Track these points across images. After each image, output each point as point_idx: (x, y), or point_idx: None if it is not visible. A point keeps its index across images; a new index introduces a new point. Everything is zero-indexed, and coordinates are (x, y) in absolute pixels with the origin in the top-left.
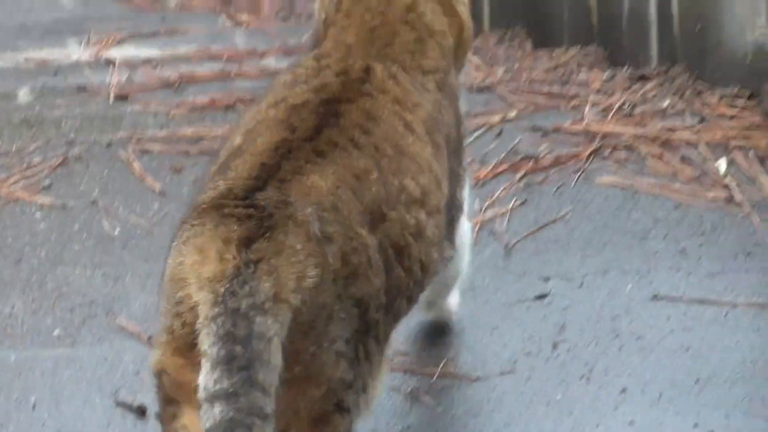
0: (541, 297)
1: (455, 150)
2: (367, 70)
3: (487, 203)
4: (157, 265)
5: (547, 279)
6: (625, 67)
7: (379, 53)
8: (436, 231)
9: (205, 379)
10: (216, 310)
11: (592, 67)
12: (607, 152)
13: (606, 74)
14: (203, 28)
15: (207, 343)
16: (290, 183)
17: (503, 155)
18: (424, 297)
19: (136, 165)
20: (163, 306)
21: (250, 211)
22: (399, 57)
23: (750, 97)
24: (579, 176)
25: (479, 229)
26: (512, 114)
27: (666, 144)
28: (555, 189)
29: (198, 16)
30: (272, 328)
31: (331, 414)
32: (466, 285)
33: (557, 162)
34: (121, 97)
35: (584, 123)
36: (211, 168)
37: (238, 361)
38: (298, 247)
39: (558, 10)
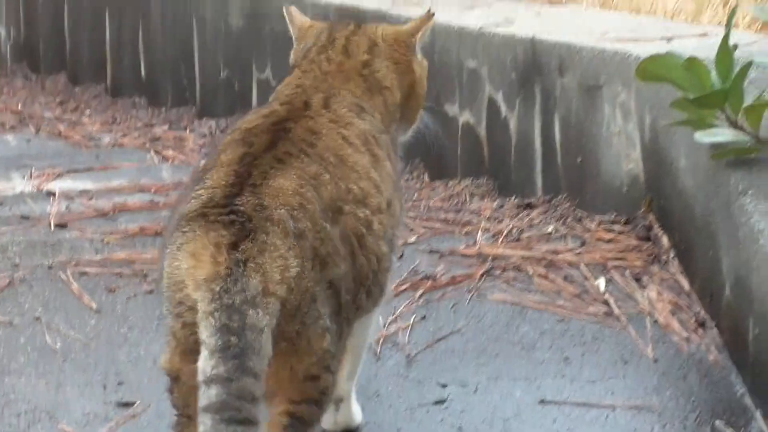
0: (440, 402)
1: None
2: (307, 102)
3: (390, 318)
4: (95, 375)
5: (445, 386)
6: (513, 197)
7: (324, 91)
8: (380, 227)
9: (203, 364)
10: (213, 305)
11: (484, 197)
12: (497, 272)
13: (496, 203)
14: (134, 164)
15: (205, 334)
16: (261, 187)
17: (405, 275)
18: (337, 385)
19: (75, 286)
20: (165, 309)
21: (232, 217)
22: (341, 93)
23: (625, 222)
24: (473, 294)
25: (383, 342)
26: (413, 238)
27: (550, 265)
28: (451, 305)
29: (129, 152)
30: (263, 320)
31: (321, 373)
32: (371, 393)
33: (453, 281)
34: (61, 225)
35: (477, 246)
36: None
37: (233, 350)
38: (278, 243)
39: (452, 146)
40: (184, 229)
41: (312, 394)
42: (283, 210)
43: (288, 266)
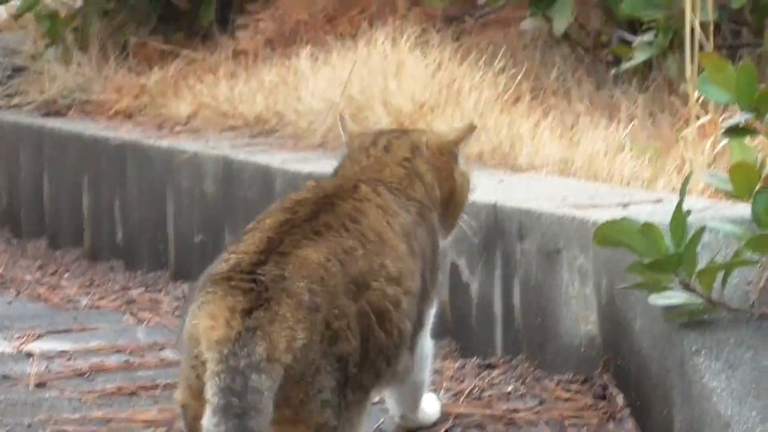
0: None
1: (431, 271)
2: (356, 187)
3: None
4: None
5: None
6: (475, 357)
7: (369, 178)
8: (409, 308)
9: (207, 422)
10: (220, 367)
11: (446, 358)
12: (459, 430)
13: (458, 363)
14: (110, 325)
15: (210, 393)
16: (288, 256)
17: None
18: (396, 411)
19: None
20: (182, 357)
21: (251, 285)
22: (386, 181)
23: (583, 382)
24: None
25: None
26: (376, 398)
27: (511, 423)
28: None
29: (106, 314)
30: (265, 384)
31: None
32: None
33: None
34: (40, 385)
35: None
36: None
37: (234, 410)
38: (288, 315)
39: None
40: (208, 290)
41: None
42: (302, 283)
43: (295, 338)
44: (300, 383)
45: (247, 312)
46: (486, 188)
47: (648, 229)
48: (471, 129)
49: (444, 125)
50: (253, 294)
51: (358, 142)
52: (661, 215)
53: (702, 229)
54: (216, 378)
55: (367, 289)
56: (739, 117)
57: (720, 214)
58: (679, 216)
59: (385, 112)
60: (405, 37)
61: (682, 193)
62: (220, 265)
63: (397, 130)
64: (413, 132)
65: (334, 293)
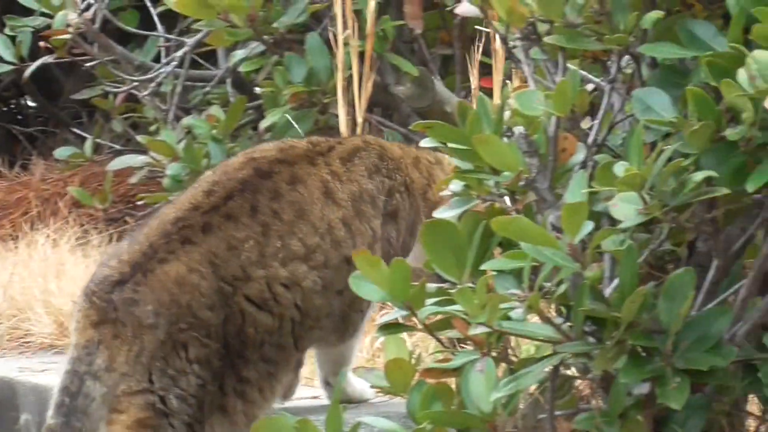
0: None
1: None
2: (331, 147)
3: None
4: None
5: None
6: None
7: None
8: (319, 281)
9: (48, 413)
10: (68, 367)
11: None
12: None
13: None
14: None
15: (55, 389)
16: (149, 275)
17: None
18: (319, 372)
19: None
20: None
21: (105, 305)
22: (376, 147)
23: None
24: None
25: None
26: None
27: None
28: None
29: None
30: (97, 391)
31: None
32: None
33: None
34: None
35: None
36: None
37: (64, 409)
38: (129, 334)
39: None
40: (82, 298)
41: None
42: (149, 307)
43: (132, 350)
44: (126, 378)
45: (98, 325)
46: None
47: (303, 425)
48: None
49: None
50: (106, 312)
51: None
52: (319, 411)
53: (357, 425)
54: (63, 376)
55: (248, 281)
56: (395, 313)
57: (376, 410)
58: (336, 412)
59: (45, 312)
60: (66, 238)
61: (337, 392)
62: (101, 270)
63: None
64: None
65: (187, 309)
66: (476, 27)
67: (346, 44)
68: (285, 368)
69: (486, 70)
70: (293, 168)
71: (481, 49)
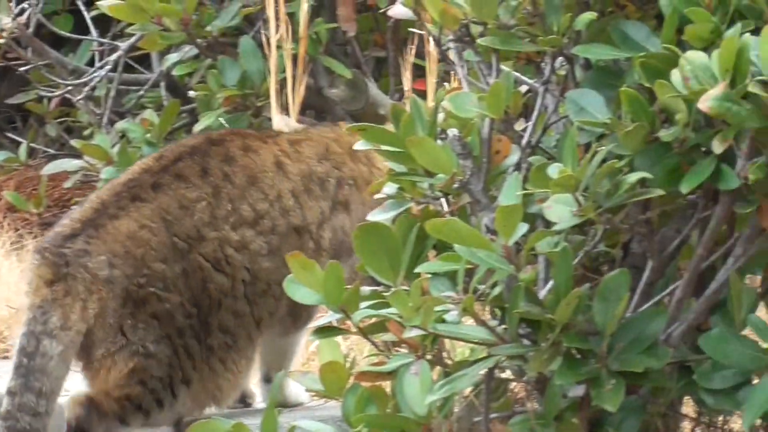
0: None
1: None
2: (280, 134)
3: None
4: None
5: None
6: None
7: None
8: (265, 245)
9: (8, 378)
10: (24, 329)
11: None
12: None
13: None
14: None
15: (13, 351)
16: (100, 229)
17: None
18: (260, 369)
19: None
20: None
21: (56, 259)
22: (318, 141)
23: None
24: None
25: None
26: None
27: None
28: None
29: None
30: (54, 350)
31: (130, 388)
32: None
33: None
34: None
35: None
36: None
37: (22, 369)
38: (81, 289)
39: None
40: (34, 257)
41: (120, 404)
42: (102, 257)
43: (87, 307)
44: (102, 342)
45: (50, 283)
46: None
47: (238, 428)
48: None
49: None
50: (57, 267)
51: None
52: (254, 415)
53: (292, 429)
54: (20, 338)
55: (202, 241)
56: (330, 317)
57: (311, 414)
58: (271, 416)
59: None
60: (0, 243)
61: (273, 395)
62: (53, 230)
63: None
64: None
65: (142, 262)
66: (409, 29)
67: (279, 47)
68: (245, 343)
69: (420, 72)
70: (246, 139)
71: (413, 52)
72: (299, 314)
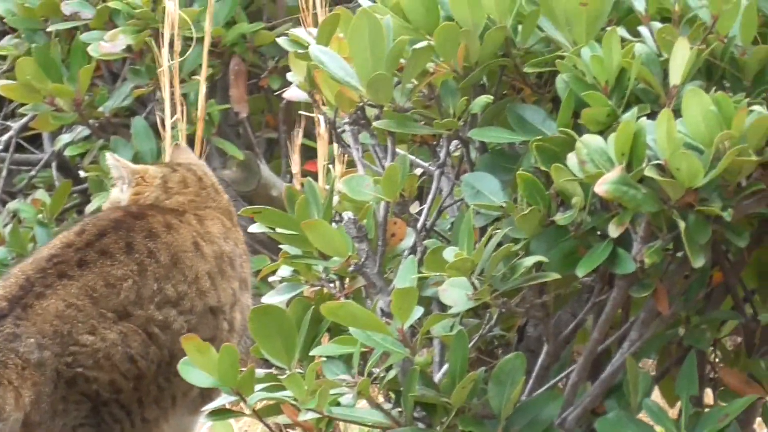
0: None
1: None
2: (183, 213)
3: None
4: None
5: None
6: None
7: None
8: (185, 325)
9: None
10: None
11: None
12: None
13: None
14: None
15: None
16: (28, 310)
17: None
18: None
19: None
20: None
21: None
22: (214, 217)
23: None
24: None
25: None
26: None
27: None
28: None
29: None
30: None
31: None
32: None
33: None
34: None
35: None
36: None
37: None
38: (13, 377)
39: None
40: None
41: None
42: (32, 339)
43: (22, 395)
44: (41, 426)
45: None
46: None
47: None
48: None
49: None
50: None
51: (177, 175)
52: None
53: None
54: None
55: (128, 317)
56: (223, 399)
57: None
58: None
59: None
60: None
61: None
62: None
63: (190, 164)
64: (201, 164)
65: (69, 338)
66: (300, 111)
67: (173, 128)
68: (163, 420)
69: (310, 153)
70: (165, 216)
71: (302, 133)
72: (210, 396)
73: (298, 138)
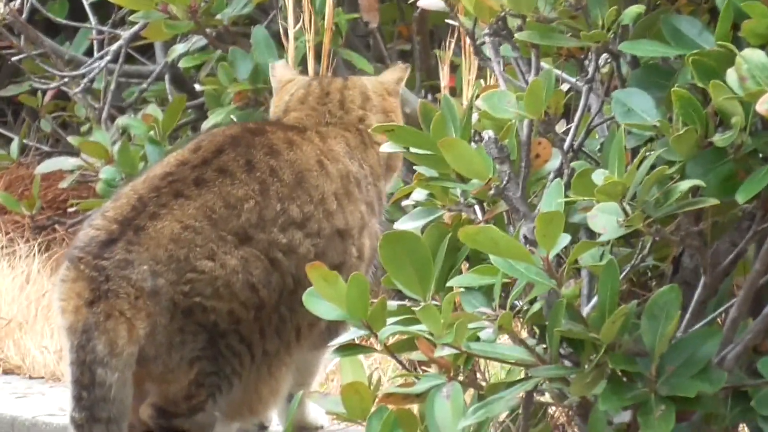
0: None
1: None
2: (304, 129)
3: None
4: None
5: None
6: None
7: (322, 133)
8: (312, 249)
9: (69, 406)
10: (71, 357)
11: None
12: None
13: None
14: None
15: (67, 378)
16: (141, 233)
17: None
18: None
19: None
20: None
21: (95, 273)
22: (338, 137)
23: None
24: None
25: None
26: None
27: None
28: None
29: None
30: (110, 378)
31: (192, 392)
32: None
33: None
34: None
35: None
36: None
37: (84, 401)
38: (126, 308)
39: None
40: (66, 267)
41: (182, 407)
42: (145, 266)
43: (135, 327)
44: (157, 360)
45: (90, 303)
46: None
47: None
48: (406, 69)
49: (34, 343)
50: (96, 283)
51: (300, 89)
52: None
53: None
54: (70, 368)
55: (249, 241)
56: (352, 333)
57: None
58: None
59: None
60: None
61: (291, 414)
62: (85, 232)
63: (338, 79)
64: (358, 80)
65: (186, 264)
66: (440, 20)
67: (297, 38)
68: (285, 353)
69: (450, 68)
70: (286, 132)
71: (452, 46)
72: (337, 330)
73: (449, 50)
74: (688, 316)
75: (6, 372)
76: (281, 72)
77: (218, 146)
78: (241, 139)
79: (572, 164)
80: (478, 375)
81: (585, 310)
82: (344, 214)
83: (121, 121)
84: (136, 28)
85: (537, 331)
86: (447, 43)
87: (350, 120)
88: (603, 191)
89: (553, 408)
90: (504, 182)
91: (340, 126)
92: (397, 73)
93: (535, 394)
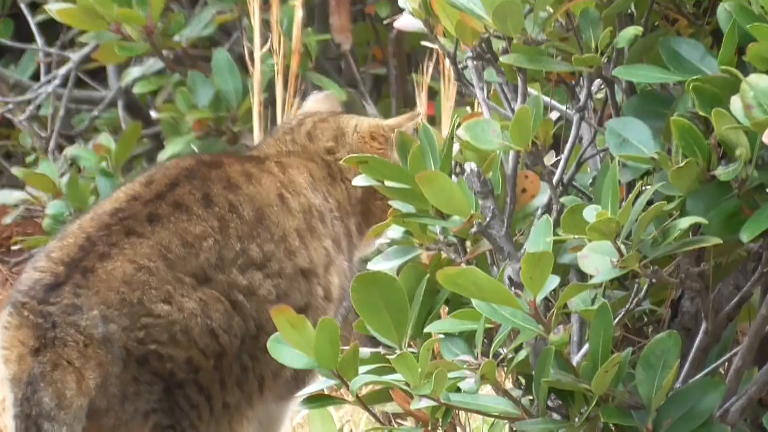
0: None
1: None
2: (264, 160)
3: None
4: None
5: None
6: None
7: (284, 163)
8: (273, 291)
9: None
10: (16, 410)
11: None
12: None
13: None
14: None
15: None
16: (90, 275)
17: None
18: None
19: None
20: None
21: (40, 320)
22: (300, 168)
23: None
24: None
25: None
26: None
27: None
28: None
29: None
30: (60, 430)
31: None
32: None
33: None
34: None
35: None
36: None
37: None
38: (74, 356)
39: None
40: (9, 312)
41: None
42: (95, 311)
43: (85, 377)
44: (108, 413)
45: (35, 352)
46: None
47: None
48: (413, 116)
49: None
50: (41, 331)
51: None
52: None
53: None
54: (15, 420)
55: (209, 282)
56: (321, 383)
57: None
58: None
59: None
60: None
61: None
62: (29, 275)
63: (323, 113)
64: (342, 117)
65: (140, 308)
66: (417, 43)
67: (263, 61)
68: (246, 405)
69: (428, 93)
70: (244, 165)
71: (430, 70)
72: (305, 379)
73: (426, 75)
74: (687, 365)
75: None
76: (311, 105)
77: (172, 179)
78: (196, 172)
79: (562, 199)
80: (458, 429)
81: (575, 359)
82: (308, 251)
83: (70, 151)
84: (86, 50)
85: (523, 381)
86: (425, 67)
87: (315, 149)
88: (595, 229)
89: None
90: (487, 219)
91: (304, 156)
92: (403, 119)
93: None
